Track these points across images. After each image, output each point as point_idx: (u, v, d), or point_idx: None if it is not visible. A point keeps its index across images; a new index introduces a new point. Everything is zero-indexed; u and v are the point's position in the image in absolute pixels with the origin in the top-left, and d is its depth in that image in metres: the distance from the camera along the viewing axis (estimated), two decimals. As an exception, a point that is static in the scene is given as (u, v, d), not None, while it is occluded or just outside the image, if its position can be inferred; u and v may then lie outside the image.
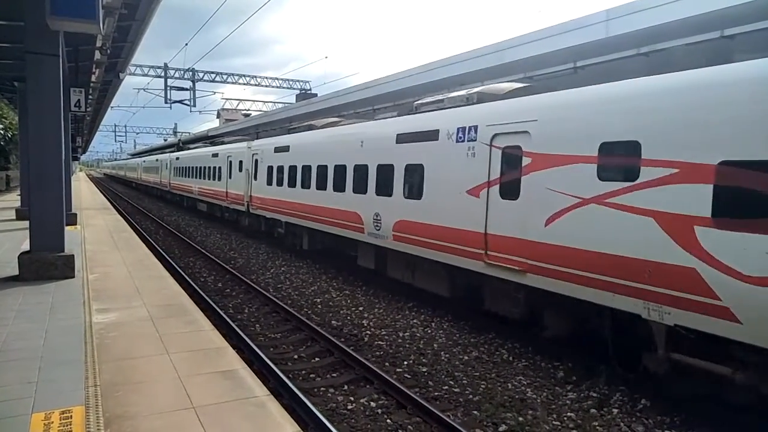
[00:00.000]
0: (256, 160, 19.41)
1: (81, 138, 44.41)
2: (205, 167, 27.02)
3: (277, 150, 17.54)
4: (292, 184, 16.05)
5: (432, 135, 9.89)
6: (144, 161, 54.18)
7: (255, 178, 19.38)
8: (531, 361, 8.18)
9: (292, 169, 16.10)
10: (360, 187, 12.23)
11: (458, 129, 9.25)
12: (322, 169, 14.15)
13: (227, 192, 22.86)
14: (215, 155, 25.42)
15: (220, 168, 24.20)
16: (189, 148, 37.81)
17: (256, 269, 15.18)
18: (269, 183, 17.83)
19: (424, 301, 11.12)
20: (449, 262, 9.49)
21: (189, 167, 31.12)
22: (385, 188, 11.28)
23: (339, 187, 13.20)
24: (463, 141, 9.11)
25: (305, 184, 15.10)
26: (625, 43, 10.95)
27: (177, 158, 35.26)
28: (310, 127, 16.67)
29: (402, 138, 10.90)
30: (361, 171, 12.25)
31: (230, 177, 22.60)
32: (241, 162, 21.20)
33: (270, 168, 17.88)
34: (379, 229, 11.39)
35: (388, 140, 11.25)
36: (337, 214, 13.24)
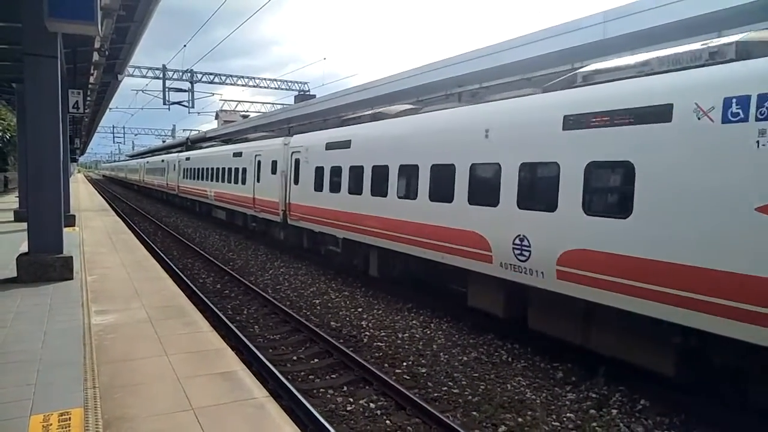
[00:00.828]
0: (297, 160, 15.83)
1: (79, 139, 44.43)
2: (223, 168, 23.23)
3: (331, 146, 13.83)
4: (355, 189, 12.44)
5: (655, 114, 6.28)
6: (147, 162, 49.37)
7: (296, 182, 15.84)
8: (530, 361, 8.18)
9: (356, 170, 12.44)
10: (485, 197, 8.65)
11: (728, 101, 5.61)
12: (409, 171, 10.58)
13: (255, 198, 19.28)
14: (238, 154, 21.61)
15: (244, 170, 20.51)
16: (200, 147, 34.06)
17: (254, 270, 15.17)
18: (318, 188, 14.25)
19: (423, 303, 11.11)
20: (698, 326, 5.83)
21: (202, 168, 27.16)
22: (539, 199, 7.79)
23: (441, 195, 9.63)
24: (742, 119, 5.49)
25: (378, 191, 11.52)
26: (623, 45, 10.97)
27: (187, 158, 31.60)
28: (377, 117, 12.85)
29: (577, 121, 7.22)
30: (484, 173, 8.80)
31: (258, 180, 19.03)
32: (274, 162, 17.55)
33: (319, 170, 14.28)
34: (524, 260, 7.91)
35: (545, 127, 7.67)
36: (437, 233, 9.69)
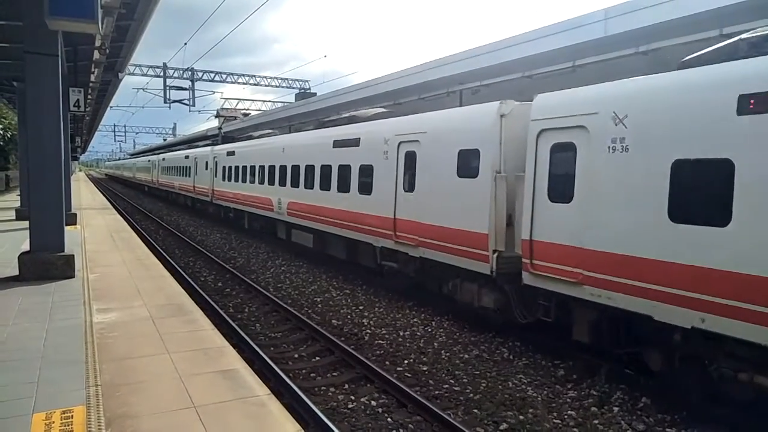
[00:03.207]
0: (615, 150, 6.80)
1: (80, 138, 44.40)
2: (310, 166, 15.16)
3: None
4: None
5: None
6: (163, 159, 40.91)
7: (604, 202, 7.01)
8: (531, 359, 8.19)
9: None
10: None
11: None
12: None
13: (396, 220, 11.01)
14: (347, 143, 13.21)
15: (366, 169, 12.24)
16: (242, 139, 25.34)
17: (256, 268, 15.19)
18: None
19: (425, 300, 11.12)
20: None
21: (261, 167, 19.18)
22: None
23: None
24: None
25: None
26: (624, 42, 10.95)
27: (230, 153, 23.45)
28: None
29: None
30: None
31: (409, 187, 10.75)
32: (472, 154, 9.17)
33: None
34: None
35: None
36: None
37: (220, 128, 38.29)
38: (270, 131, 24.07)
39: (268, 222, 18.81)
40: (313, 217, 14.79)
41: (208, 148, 28.07)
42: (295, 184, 16.09)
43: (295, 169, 16.09)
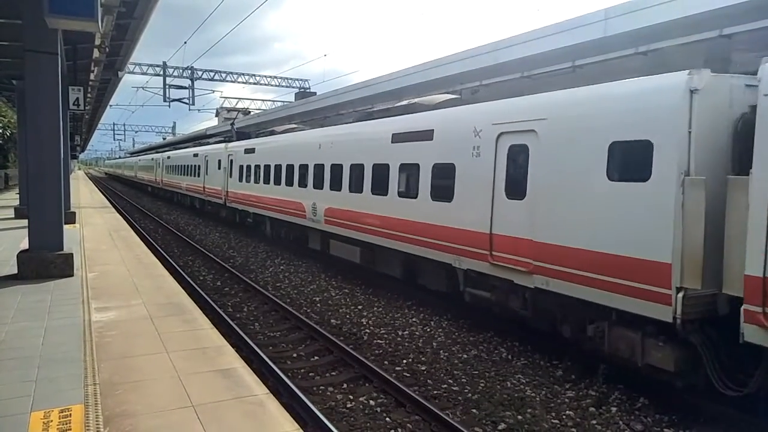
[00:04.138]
0: None
1: (80, 136, 44.38)
2: (363, 166, 12.30)
3: None
4: None
5: None
6: (168, 157, 37.14)
7: None
8: (530, 359, 8.19)
9: None
10: None
11: None
12: None
13: (495, 236, 8.44)
14: (418, 136, 10.39)
15: (447, 169, 9.56)
16: (257, 135, 22.56)
17: (255, 268, 15.18)
18: None
19: (424, 300, 11.12)
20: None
21: (291, 167, 16.22)
22: None
23: None
24: None
25: None
26: (624, 43, 10.95)
27: (248, 150, 20.56)
28: None
29: None
30: None
31: None
32: None
33: None
34: None
35: None
36: None
37: (232, 124, 34.38)
38: (295, 125, 21.01)
39: (297, 230, 16.18)
40: (362, 227, 12.13)
41: (221, 145, 25.43)
42: (335, 186, 13.34)
43: (336, 168, 13.35)
